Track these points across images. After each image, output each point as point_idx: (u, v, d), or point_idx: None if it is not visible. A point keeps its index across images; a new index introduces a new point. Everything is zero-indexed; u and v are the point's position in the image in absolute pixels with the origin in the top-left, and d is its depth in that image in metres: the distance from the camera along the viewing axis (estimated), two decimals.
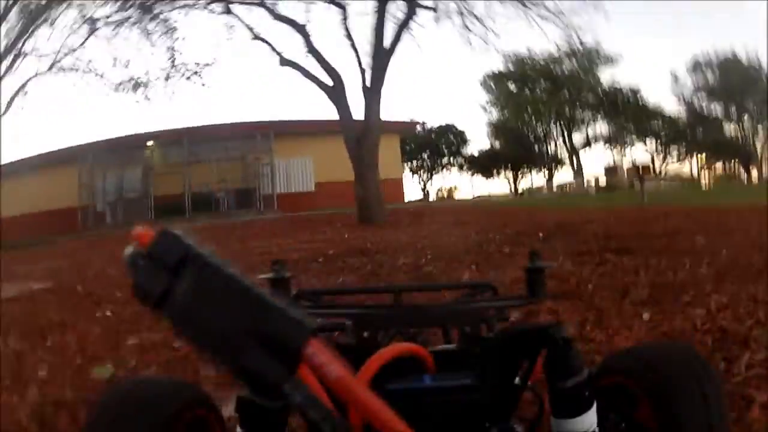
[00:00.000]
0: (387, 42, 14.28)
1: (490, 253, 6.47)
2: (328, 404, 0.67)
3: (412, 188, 64.52)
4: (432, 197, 61.74)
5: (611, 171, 48.46)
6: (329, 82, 14.55)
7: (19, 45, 19.36)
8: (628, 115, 55.85)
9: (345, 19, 14.88)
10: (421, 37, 15.89)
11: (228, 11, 15.46)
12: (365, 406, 0.69)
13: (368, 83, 14.21)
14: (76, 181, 28.13)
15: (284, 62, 15.28)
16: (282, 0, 17.09)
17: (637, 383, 1.17)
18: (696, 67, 58.17)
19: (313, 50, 14.75)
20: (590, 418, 1.12)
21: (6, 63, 19.48)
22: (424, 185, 63.41)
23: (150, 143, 27.68)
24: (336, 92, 14.47)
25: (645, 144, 58.80)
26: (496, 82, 54.40)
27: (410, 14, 14.44)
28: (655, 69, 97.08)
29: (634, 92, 56.64)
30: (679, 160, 60.43)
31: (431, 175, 63.43)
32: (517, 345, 1.24)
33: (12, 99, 20.27)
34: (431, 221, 12.81)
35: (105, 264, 8.53)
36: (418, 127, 56.62)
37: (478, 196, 54.38)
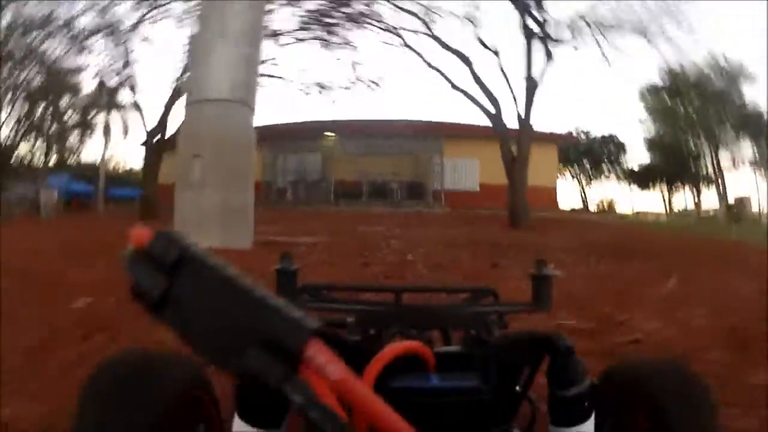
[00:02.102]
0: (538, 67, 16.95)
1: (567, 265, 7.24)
2: (333, 405, 0.66)
3: (570, 195, 65.09)
4: (592, 207, 62.45)
5: (740, 201, 46.72)
6: (491, 108, 17.34)
7: None
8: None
9: (499, 59, 17.82)
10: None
11: (405, 44, 19.07)
12: (368, 406, 0.68)
13: (521, 111, 16.91)
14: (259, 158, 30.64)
15: (454, 87, 18.19)
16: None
17: (633, 397, 1.17)
18: None
19: (477, 79, 17.57)
20: (588, 428, 1.15)
21: None
22: (584, 193, 64.20)
23: (329, 134, 29.95)
24: (495, 117, 17.33)
25: None
26: (652, 94, 53.78)
27: (549, 54, 17.10)
28: None
29: None
30: None
31: (590, 181, 64.27)
32: (521, 351, 1.27)
33: None
34: (562, 232, 14.43)
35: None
36: (582, 135, 57.70)
37: (634, 213, 54.15)
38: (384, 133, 29.42)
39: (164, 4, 20.47)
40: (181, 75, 20.13)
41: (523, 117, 16.87)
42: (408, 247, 9.13)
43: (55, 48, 22.96)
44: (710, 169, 55.31)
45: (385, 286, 2.38)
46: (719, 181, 53.49)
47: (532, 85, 16.87)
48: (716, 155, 54.41)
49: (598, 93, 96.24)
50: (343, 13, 19.91)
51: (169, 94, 20.13)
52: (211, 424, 1.16)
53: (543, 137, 28.09)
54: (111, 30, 20.80)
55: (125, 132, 32.58)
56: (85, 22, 21.14)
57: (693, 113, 54.11)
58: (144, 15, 20.62)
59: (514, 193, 16.71)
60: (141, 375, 0.98)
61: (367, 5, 19.50)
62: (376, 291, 2.40)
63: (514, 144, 16.83)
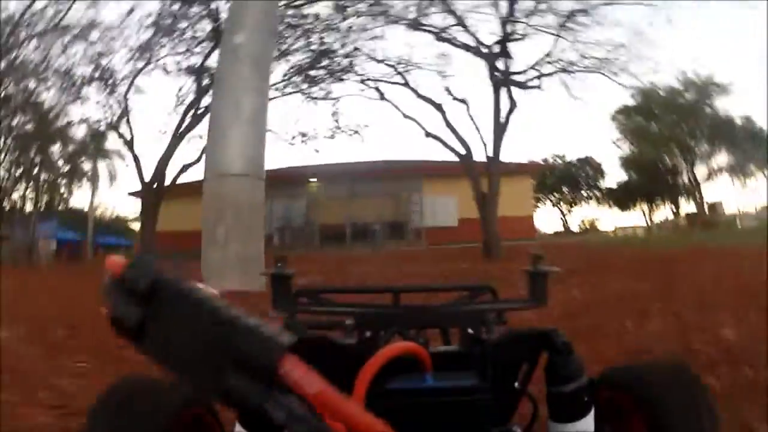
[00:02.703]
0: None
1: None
2: (323, 415, 0.66)
3: (552, 221, 66.46)
4: (575, 228, 64.80)
5: (712, 206, 47.65)
6: (462, 150, 18.99)
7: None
8: (745, 144, 54.05)
9: (468, 109, 19.57)
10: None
11: (382, 97, 20.85)
12: (348, 418, 0.66)
13: (490, 152, 18.54)
14: None
15: (428, 134, 19.86)
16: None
17: (631, 398, 1.19)
18: None
19: (448, 124, 19.25)
20: (587, 423, 1.18)
21: None
22: (564, 218, 66.01)
23: (313, 180, 31.42)
24: (466, 158, 19.00)
25: (765, 173, 55.66)
26: (624, 116, 55.28)
27: (513, 103, 18.80)
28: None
29: (748, 120, 54.83)
30: None
31: (571, 207, 66.09)
32: (518, 348, 1.29)
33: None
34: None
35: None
36: (558, 160, 59.22)
37: (614, 231, 55.54)
38: (365, 176, 31.04)
39: (159, 59, 21.59)
40: (178, 128, 21.26)
41: (491, 157, 18.45)
42: (388, 282, 10.31)
43: (48, 94, 23.68)
44: (688, 182, 56.86)
45: (382, 287, 2.15)
46: (696, 192, 55.29)
47: (499, 129, 18.48)
48: (692, 168, 55.98)
49: (573, 117, 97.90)
50: (325, 67, 21.43)
51: (166, 146, 21.20)
52: None
53: (517, 169, 30.26)
54: (105, 78, 21.74)
55: (111, 180, 33.47)
56: (80, 70, 21.95)
57: (665, 130, 55.52)
58: (140, 68, 21.71)
59: (486, 227, 18.22)
60: (142, 399, 1.03)
61: (347, 57, 21.05)
62: (373, 292, 2.29)
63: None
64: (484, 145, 18.68)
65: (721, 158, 55.71)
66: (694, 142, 55.31)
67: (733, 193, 60.81)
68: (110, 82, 21.83)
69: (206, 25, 20.56)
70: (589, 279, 8.07)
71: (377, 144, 75.96)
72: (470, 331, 1.48)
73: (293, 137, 23.71)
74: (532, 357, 1.30)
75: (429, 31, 19.97)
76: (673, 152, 56.96)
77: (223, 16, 19.15)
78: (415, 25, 19.85)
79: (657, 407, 1.13)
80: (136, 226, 38.42)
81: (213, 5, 19.92)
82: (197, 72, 21.43)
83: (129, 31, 20.88)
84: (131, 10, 20.40)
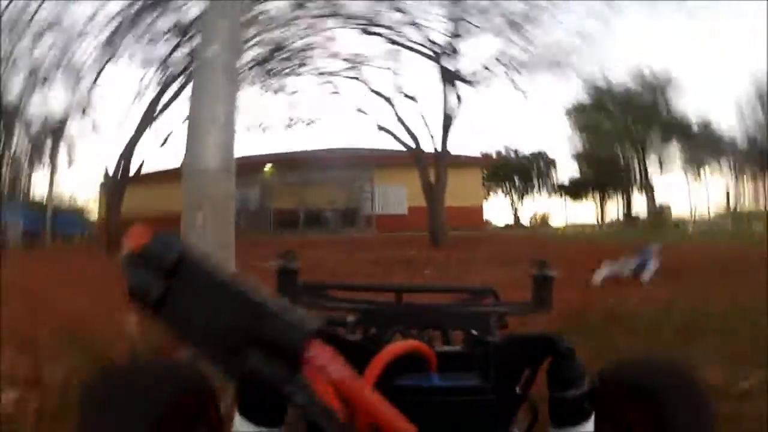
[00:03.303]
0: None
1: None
2: (334, 404, 0.66)
3: (503, 212, 67.34)
4: (526, 222, 65.68)
5: (660, 209, 48.78)
6: (412, 143, 20.37)
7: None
8: (699, 141, 56.30)
9: (417, 104, 21.60)
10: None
11: (335, 92, 22.20)
12: (369, 405, 0.67)
13: (438, 146, 19.95)
14: None
15: (380, 128, 21.31)
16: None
17: (629, 396, 1.18)
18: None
19: (399, 119, 20.67)
20: (588, 429, 1.16)
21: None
22: (515, 210, 67.30)
23: (268, 166, 32.09)
24: (415, 151, 20.39)
25: (720, 170, 58.59)
26: (578, 112, 56.56)
27: (459, 98, 20.26)
28: (724, 93, 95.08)
29: (703, 119, 56.84)
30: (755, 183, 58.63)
31: (522, 198, 67.45)
32: (521, 352, 1.26)
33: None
34: (478, 247, 16.99)
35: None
36: (512, 153, 61.89)
37: (563, 226, 56.84)
38: (319, 164, 31.67)
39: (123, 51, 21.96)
40: (146, 116, 21.89)
41: (439, 150, 19.75)
42: (340, 267, 11.70)
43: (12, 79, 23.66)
44: (639, 177, 58.68)
45: (386, 286, 2.23)
46: (647, 188, 57.11)
47: (447, 123, 19.82)
48: (644, 164, 57.92)
49: (527, 113, 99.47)
50: (282, 59, 22.30)
51: (132, 133, 21.85)
52: (211, 424, 1.18)
53: (467, 161, 31.77)
54: (70, 65, 22.03)
55: (70, 165, 33.26)
56: (45, 55, 22.09)
57: (619, 126, 56.98)
58: (106, 60, 22.14)
59: (433, 217, 19.50)
60: (138, 380, 1.01)
61: (303, 51, 21.99)
62: (377, 290, 2.25)
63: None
64: (432, 138, 20.01)
65: (674, 155, 57.82)
66: (646, 138, 57.19)
67: (687, 193, 61.96)
68: (76, 71, 22.22)
69: (170, 20, 21.09)
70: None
71: (332, 134, 76.42)
72: (474, 332, 1.49)
73: (250, 127, 24.77)
74: (535, 361, 1.27)
75: (380, 35, 20.94)
76: (625, 148, 58.67)
77: (190, 13, 20.13)
78: (367, 30, 20.87)
79: (655, 403, 1.12)
80: (92, 213, 38.23)
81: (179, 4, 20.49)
82: (162, 64, 22.09)
83: (96, 23, 21.20)
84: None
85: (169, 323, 0.70)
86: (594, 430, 1.17)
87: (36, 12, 20.58)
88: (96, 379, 1.01)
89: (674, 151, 58.34)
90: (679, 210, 57.18)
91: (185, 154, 8.24)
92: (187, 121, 8.73)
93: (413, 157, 20.56)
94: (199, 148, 8.34)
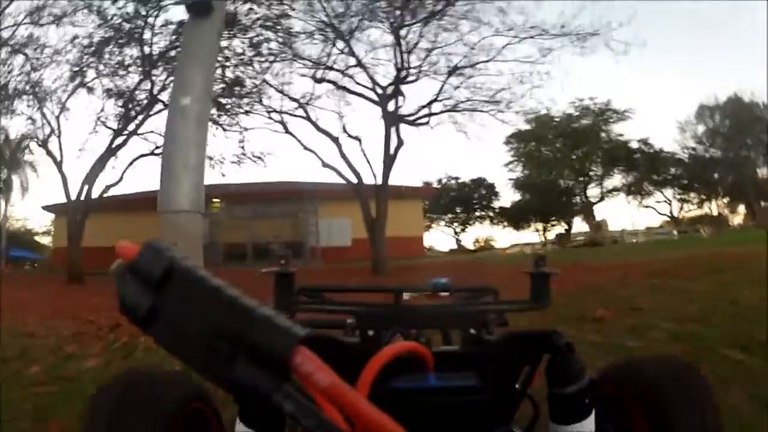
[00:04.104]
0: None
1: None
2: (327, 411, 0.65)
3: (447, 239, 68.55)
4: (471, 246, 66.55)
5: (596, 227, 50.74)
6: (354, 180, 21.83)
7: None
8: (642, 166, 58.67)
9: (361, 144, 22.62)
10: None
11: (286, 130, 23.49)
12: (359, 412, 0.64)
13: (380, 181, 21.50)
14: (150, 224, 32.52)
15: (324, 165, 22.51)
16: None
17: (632, 394, 1.22)
18: (702, 112, 60.64)
19: (343, 156, 22.06)
20: (589, 424, 1.18)
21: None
22: (457, 237, 68.04)
23: (216, 200, 32.54)
24: (358, 187, 21.84)
25: (662, 192, 61.45)
26: (517, 140, 57.48)
27: (400, 143, 21.78)
28: (665, 118, 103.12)
29: (645, 143, 59.10)
30: (698, 204, 62.84)
31: (464, 227, 68.12)
32: (520, 350, 1.31)
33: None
34: (417, 273, 18.69)
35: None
36: (452, 182, 62.87)
37: (504, 249, 56.73)
38: (266, 197, 33.08)
39: (88, 82, 22.76)
40: (110, 146, 22.51)
41: (381, 185, 21.35)
42: None
43: None
44: (581, 201, 60.11)
45: (384, 287, 2.22)
46: (588, 211, 58.33)
47: (388, 161, 21.44)
48: (585, 189, 59.41)
49: (469, 143, 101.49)
50: (235, 96, 23.38)
51: (94, 162, 22.43)
52: None
53: (408, 193, 33.27)
54: (36, 93, 22.50)
55: (23, 192, 33.44)
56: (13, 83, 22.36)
57: (558, 153, 58.45)
58: (73, 88, 22.74)
59: (375, 247, 21.00)
60: (142, 393, 1.08)
61: (256, 87, 23.24)
62: (375, 291, 2.30)
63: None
64: (374, 176, 21.58)
65: (616, 179, 59.54)
66: (588, 164, 58.54)
67: (628, 212, 64.55)
68: (40, 96, 22.72)
69: (134, 50, 21.92)
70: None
71: (280, 169, 77.26)
72: (472, 331, 1.52)
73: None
74: (534, 358, 1.31)
75: (329, 81, 22.70)
76: (564, 174, 59.85)
77: (155, 46, 21.18)
78: (319, 80, 22.57)
79: (659, 402, 1.15)
80: (45, 239, 38.37)
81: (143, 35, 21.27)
82: (127, 98, 22.90)
83: (64, 51, 21.81)
84: (75, 37, 21.46)
85: (158, 335, 0.68)
86: (596, 428, 1.18)
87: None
88: (100, 392, 1.08)
89: (617, 175, 60.45)
90: (622, 227, 57.37)
91: (160, 196, 9.51)
92: (159, 164, 9.80)
93: (354, 188, 21.98)
94: (172, 190, 9.61)
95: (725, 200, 62.69)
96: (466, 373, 1.28)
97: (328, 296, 1.93)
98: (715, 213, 63.19)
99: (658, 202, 62.11)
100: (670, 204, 62.18)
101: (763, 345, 4.36)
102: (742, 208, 62.06)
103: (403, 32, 21.55)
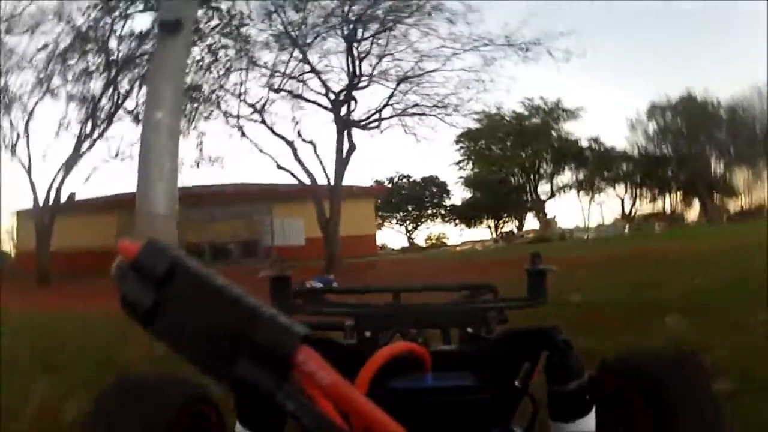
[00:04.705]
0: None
1: None
2: (327, 410, 0.67)
3: (399, 237, 68.77)
4: (423, 244, 67.26)
5: (545, 223, 52.16)
6: (307, 181, 23.11)
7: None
8: (593, 163, 60.13)
9: (315, 149, 23.64)
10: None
11: (243, 134, 24.68)
12: (360, 411, 0.65)
13: (332, 182, 22.83)
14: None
15: (279, 167, 23.82)
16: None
17: (633, 386, 1.23)
18: (653, 110, 62.03)
19: (298, 159, 23.29)
20: (589, 421, 1.20)
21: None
22: (409, 234, 69.02)
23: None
24: (311, 188, 23.15)
25: (614, 188, 62.80)
26: (467, 139, 58.30)
27: (352, 147, 23.15)
28: (618, 115, 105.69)
29: (596, 141, 60.80)
30: (651, 201, 64.33)
31: (416, 225, 69.16)
32: (518, 347, 1.33)
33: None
34: (368, 271, 20.11)
35: None
36: (404, 180, 63.97)
37: (454, 246, 58.71)
38: (221, 199, 33.86)
39: (54, 88, 23.63)
40: (75, 152, 23.55)
41: (334, 187, 22.65)
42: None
43: None
44: (532, 198, 61.65)
45: (382, 287, 2.06)
46: (538, 208, 60.26)
47: (341, 165, 22.77)
48: (535, 186, 61.06)
49: (419, 144, 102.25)
50: (194, 102, 24.22)
51: (63, 166, 23.38)
52: None
53: (360, 193, 34.58)
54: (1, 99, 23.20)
55: None
56: None
57: (507, 152, 59.70)
58: (41, 94, 23.67)
59: (328, 246, 22.32)
60: (144, 395, 1.09)
61: (213, 93, 24.30)
62: (373, 292, 2.14)
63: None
64: (328, 180, 22.84)
65: (567, 177, 61.13)
66: (538, 162, 60.16)
67: (580, 209, 66.04)
68: (5, 103, 23.45)
69: (98, 58, 22.84)
70: None
71: (236, 171, 77.37)
72: (470, 330, 1.55)
73: None
74: (533, 356, 1.32)
75: (287, 91, 23.99)
76: (514, 172, 61.23)
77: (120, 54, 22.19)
78: (276, 89, 23.90)
79: (661, 394, 1.15)
80: (5, 245, 38.14)
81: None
82: (90, 103, 23.83)
83: (32, 58, 22.60)
84: (45, 45, 22.27)
85: (161, 333, 0.66)
86: (597, 422, 1.22)
87: None
88: (103, 393, 1.12)
89: (567, 173, 62.25)
90: (573, 224, 61.34)
91: (137, 200, 10.49)
92: (136, 173, 10.84)
93: (308, 190, 23.23)
94: (150, 198, 10.65)
95: (679, 196, 64.12)
96: (464, 373, 1.29)
97: (326, 298, 1.89)
98: (670, 209, 64.81)
99: (614, 198, 63.80)
100: (622, 201, 63.67)
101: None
102: (697, 204, 63.24)
103: (355, 41, 22.93)
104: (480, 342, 1.49)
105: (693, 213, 63.92)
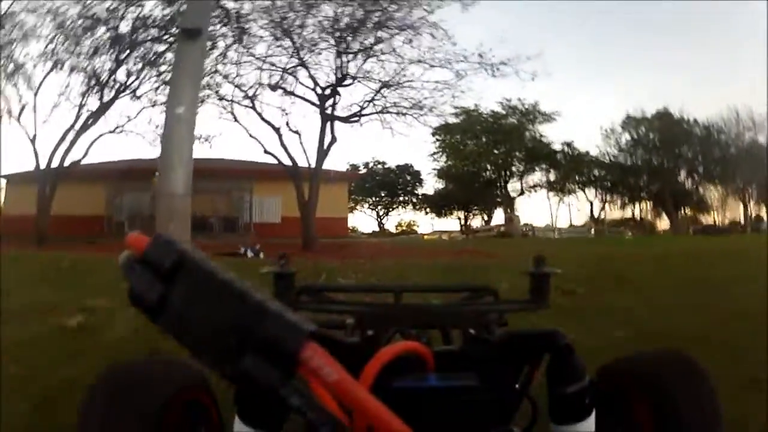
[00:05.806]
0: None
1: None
2: (331, 406, 0.71)
3: (370, 222, 70.73)
4: (393, 230, 69.78)
5: (508, 219, 53.65)
6: (289, 163, 25.10)
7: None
8: (565, 166, 62.78)
9: (300, 138, 25.86)
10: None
11: (235, 119, 26.95)
12: (365, 407, 0.67)
13: (313, 166, 24.84)
14: (102, 195, 35.62)
15: (266, 152, 25.94)
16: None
17: (634, 389, 1.22)
18: (628, 122, 64.79)
19: (282, 144, 25.32)
20: (589, 424, 1.19)
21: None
22: (380, 220, 71.10)
23: (157, 174, 34.34)
24: (293, 170, 25.07)
25: (584, 192, 65.41)
26: (443, 132, 59.18)
27: (333, 140, 25.30)
28: (595, 124, 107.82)
29: (568, 145, 63.33)
30: (621, 207, 66.87)
31: (388, 211, 71.24)
32: (520, 349, 1.31)
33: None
34: (341, 251, 21.10)
35: None
36: (378, 166, 66.06)
37: (424, 234, 60.59)
38: (204, 174, 34.24)
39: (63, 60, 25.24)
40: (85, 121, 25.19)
41: (314, 172, 24.68)
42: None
43: None
44: (502, 194, 63.81)
45: (384, 286, 2.22)
46: (506, 203, 62.36)
47: (322, 154, 24.89)
48: (505, 183, 63.34)
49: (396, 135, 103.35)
50: None
51: (65, 132, 24.87)
52: (211, 425, 1.23)
53: (337, 176, 35.64)
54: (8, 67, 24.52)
55: None
56: None
57: (482, 148, 61.54)
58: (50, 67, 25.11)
59: (305, 226, 24.15)
60: (140, 381, 1.08)
61: (211, 77, 25.82)
62: (376, 291, 2.30)
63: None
64: (310, 166, 24.91)
65: (538, 176, 63.71)
66: (510, 160, 62.33)
67: (548, 209, 68.40)
68: (11, 71, 24.77)
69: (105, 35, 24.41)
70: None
71: (222, 149, 78.38)
72: (472, 331, 1.54)
73: (153, 140, 28.39)
74: (534, 358, 1.31)
75: (282, 88, 25.95)
76: (486, 168, 63.44)
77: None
78: (273, 88, 25.90)
79: (662, 398, 1.14)
80: None
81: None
82: (96, 78, 25.49)
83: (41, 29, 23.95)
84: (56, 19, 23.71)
85: (168, 326, 0.70)
86: (597, 425, 1.21)
87: None
88: (99, 378, 1.10)
89: (538, 172, 64.99)
90: (544, 223, 63.25)
91: (159, 182, 12.32)
92: (158, 156, 12.76)
93: (291, 174, 24.97)
94: (171, 179, 12.59)
95: (649, 206, 66.73)
96: (466, 373, 1.28)
97: (329, 296, 1.88)
98: (639, 217, 67.27)
99: (584, 202, 66.27)
100: (591, 204, 66.18)
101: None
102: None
103: (344, 45, 25.03)
104: (482, 343, 1.48)
105: (664, 222, 65.86)
